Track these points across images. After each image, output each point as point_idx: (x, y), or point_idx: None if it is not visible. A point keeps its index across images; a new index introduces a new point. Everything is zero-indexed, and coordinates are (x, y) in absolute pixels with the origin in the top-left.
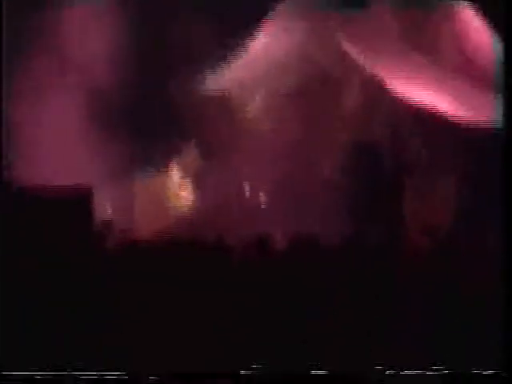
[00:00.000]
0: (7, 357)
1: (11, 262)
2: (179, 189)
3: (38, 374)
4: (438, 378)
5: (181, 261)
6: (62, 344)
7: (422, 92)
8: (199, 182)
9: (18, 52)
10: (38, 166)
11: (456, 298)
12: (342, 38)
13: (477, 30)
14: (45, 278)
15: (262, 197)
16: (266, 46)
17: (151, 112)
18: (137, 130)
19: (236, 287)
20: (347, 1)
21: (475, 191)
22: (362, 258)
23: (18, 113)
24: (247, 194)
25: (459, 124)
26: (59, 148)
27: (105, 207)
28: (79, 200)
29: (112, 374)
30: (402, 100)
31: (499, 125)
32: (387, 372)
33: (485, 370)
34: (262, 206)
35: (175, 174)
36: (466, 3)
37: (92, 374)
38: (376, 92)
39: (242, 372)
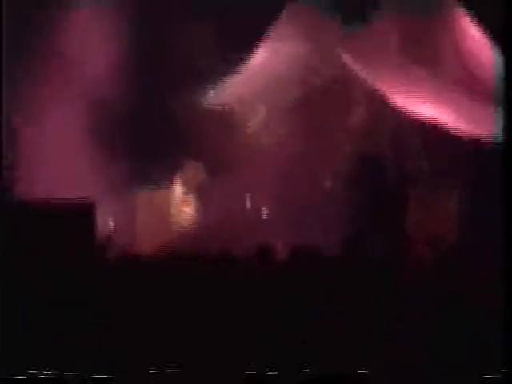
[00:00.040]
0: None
1: (13, 275)
2: (181, 203)
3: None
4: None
5: (183, 275)
6: (62, 357)
7: (423, 105)
8: (201, 196)
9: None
10: (41, 180)
11: (459, 309)
12: (343, 52)
13: (477, 44)
14: (47, 292)
15: (265, 209)
16: (267, 60)
17: (153, 127)
18: (139, 145)
19: (239, 299)
20: (348, 16)
21: (476, 201)
22: (364, 268)
23: (21, 126)
24: (249, 206)
25: (460, 136)
26: (62, 162)
27: (107, 221)
28: (81, 214)
29: None
30: (403, 113)
31: (499, 137)
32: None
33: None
34: (264, 218)
35: (177, 189)
36: (466, 17)
37: None
38: (377, 105)
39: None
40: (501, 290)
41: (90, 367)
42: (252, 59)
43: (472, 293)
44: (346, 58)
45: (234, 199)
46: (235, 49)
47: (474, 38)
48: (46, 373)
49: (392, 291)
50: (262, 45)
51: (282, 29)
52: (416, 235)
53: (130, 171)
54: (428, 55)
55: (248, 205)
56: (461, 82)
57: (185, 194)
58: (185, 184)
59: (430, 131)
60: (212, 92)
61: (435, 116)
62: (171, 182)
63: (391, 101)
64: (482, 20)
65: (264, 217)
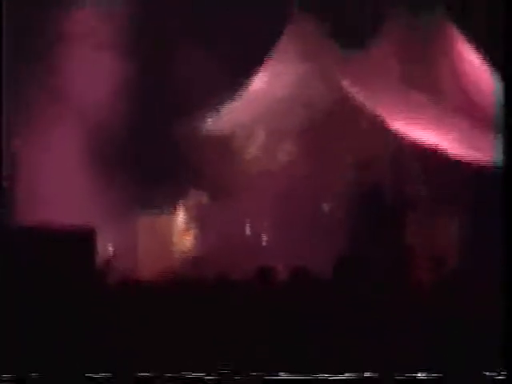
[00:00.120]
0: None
1: (13, 300)
2: (182, 229)
3: None
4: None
5: (184, 300)
6: (64, 379)
7: (424, 131)
8: (202, 221)
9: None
10: (41, 205)
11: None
12: (342, 78)
13: (477, 70)
14: (47, 316)
15: (264, 234)
16: (268, 85)
17: (154, 153)
18: (140, 171)
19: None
20: (347, 42)
21: (476, 225)
22: (363, 291)
23: (21, 152)
24: (249, 232)
25: (460, 162)
26: (63, 188)
27: (107, 247)
28: (82, 240)
29: None
30: (403, 138)
31: (499, 163)
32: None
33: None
34: (264, 243)
35: (178, 215)
36: (466, 44)
37: None
38: (378, 131)
39: None
40: (501, 315)
41: None
42: (253, 84)
43: (472, 317)
44: (346, 84)
45: (234, 224)
46: (237, 74)
47: (474, 64)
48: None
49: (392, 314)
50: (263, 70)
51: (281, 53)
52: (416, 259)
53: (131, 197)
54: (427, 81)
55: (248, 231)
56: (461, 108)
57: (185, 219)
58: (185, 210)
59: (431, 156)
60: (212, 118)
61: (436, 142)
62: (172, 208)
63: (392, 126)
64: (482, 47)
65: (264, 243)
